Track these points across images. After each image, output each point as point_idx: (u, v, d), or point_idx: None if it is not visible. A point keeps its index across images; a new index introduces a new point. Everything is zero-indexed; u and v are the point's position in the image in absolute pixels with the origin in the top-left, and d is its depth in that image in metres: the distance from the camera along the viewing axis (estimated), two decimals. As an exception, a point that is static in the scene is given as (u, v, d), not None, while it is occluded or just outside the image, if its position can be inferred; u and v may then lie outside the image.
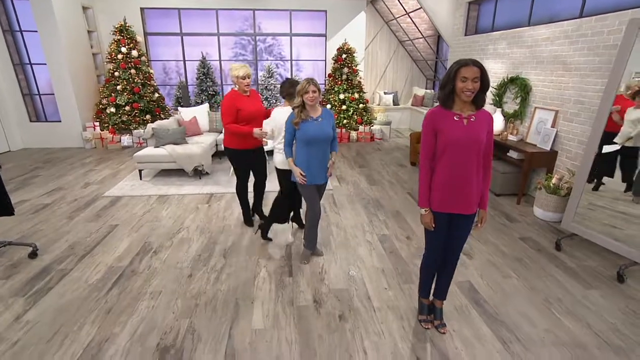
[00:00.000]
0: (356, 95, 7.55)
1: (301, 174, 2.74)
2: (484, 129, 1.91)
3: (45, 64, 6.54)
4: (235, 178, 3.64)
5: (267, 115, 3.45)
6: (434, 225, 2.08)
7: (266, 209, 3.79)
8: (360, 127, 7.66)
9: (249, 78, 3.22)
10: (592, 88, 3.62)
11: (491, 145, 1.98)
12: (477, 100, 1.89)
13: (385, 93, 9.03)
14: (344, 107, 7.50)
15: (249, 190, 3.67)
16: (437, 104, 2.03)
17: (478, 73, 1.79)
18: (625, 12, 3.29)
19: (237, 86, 3.26)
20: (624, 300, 2.61)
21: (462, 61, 1.82)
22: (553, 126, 4.15)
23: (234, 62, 7.85)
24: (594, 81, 3.62)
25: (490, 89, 5.26)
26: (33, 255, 3.08)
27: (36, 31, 6.33)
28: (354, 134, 7.62)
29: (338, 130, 7.57)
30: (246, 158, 3.48)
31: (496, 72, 5.27)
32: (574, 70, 3.86)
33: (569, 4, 4.11)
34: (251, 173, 3.63)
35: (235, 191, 3.67)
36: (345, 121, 7.54)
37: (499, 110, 5.02)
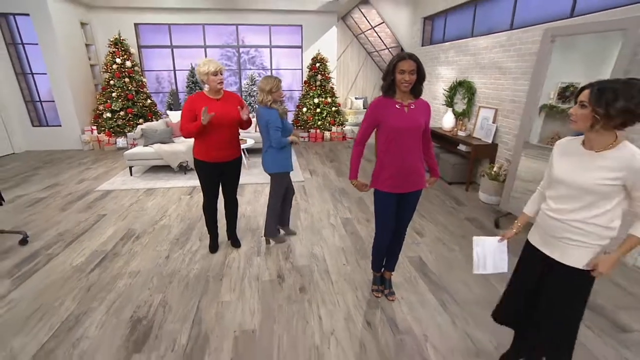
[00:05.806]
0: (329, 100, 7.52)
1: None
2: (423, 116, 1.91)
3: (45, 73, 6.28)
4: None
5: (244, 122, 2.58)
6: (367, 185, 2.06)
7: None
8: (333, 127, 7.64)
9: (221, 74, 2.37)
10: (522, 89, 3.69)
11: (428, 129, 1.99)
12: (415, 91, 1.88)
13: (356, 98, 9.03)
14: (318, 110, 7.46)
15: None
16: None
17: (414, 66, 1.77)
18: (543, 25, 3.37)
19: (208, 86, 2.42)
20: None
21: (401, 55, 1.79)
22: (494, 122, 4.21)
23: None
24: (523, 83, 3.68)
25: (442, 91, 5.40)
26: (24, 242, 2.96)
27: (37, 44, 6.08)
28: (327, 134, 7.59)
29: (312, 130, 7.56)
30: (216, 172, 2.59)
31: (447, 76, 5.33)
32: (508, 74, 3.93)
33: (502, 18, 4.19)
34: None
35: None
36: (319, 122, 7.51)
37: (450, 109, 5.08)
